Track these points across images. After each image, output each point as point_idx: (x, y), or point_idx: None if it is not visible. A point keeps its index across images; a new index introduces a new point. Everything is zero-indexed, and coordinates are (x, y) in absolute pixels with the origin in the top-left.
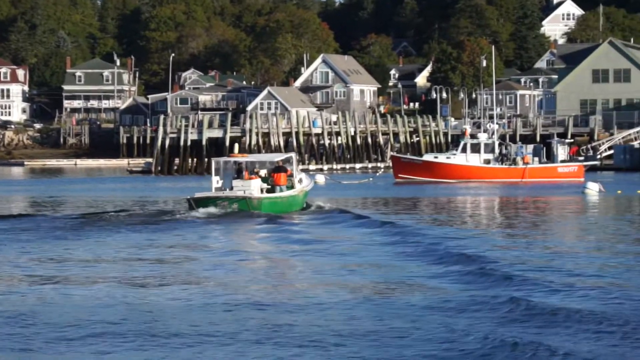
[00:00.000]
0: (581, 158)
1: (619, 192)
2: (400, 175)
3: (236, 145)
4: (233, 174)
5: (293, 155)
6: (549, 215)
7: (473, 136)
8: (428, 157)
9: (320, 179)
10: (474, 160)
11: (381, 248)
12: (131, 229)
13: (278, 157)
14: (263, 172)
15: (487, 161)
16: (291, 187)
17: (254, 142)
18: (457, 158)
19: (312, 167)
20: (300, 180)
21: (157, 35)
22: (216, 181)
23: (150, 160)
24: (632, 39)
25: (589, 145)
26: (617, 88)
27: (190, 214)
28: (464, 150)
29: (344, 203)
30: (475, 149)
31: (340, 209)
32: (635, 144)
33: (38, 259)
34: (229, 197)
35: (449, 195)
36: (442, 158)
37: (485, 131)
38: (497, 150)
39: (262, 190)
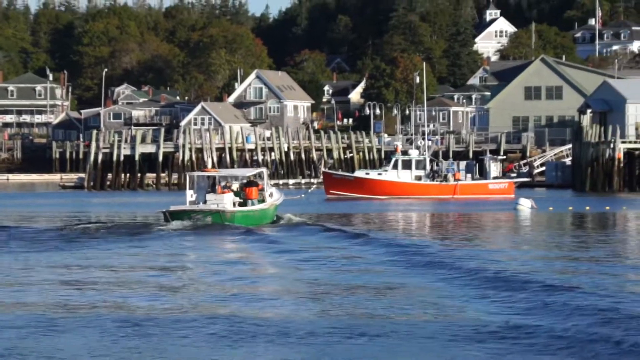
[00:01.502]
0: (514, 175)
1: (551, 209)
2: (332, 191)
3: (209, 161)
4: (206, 189)
5: (264, 170)
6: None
7: (405, 153)
8: (359, 173)
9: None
10: (405, 176)
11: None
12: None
13: (249, 172)
14: (235, 186)
15: (419, 177)
16: (262, 200)
17: (187, 157)
18: (388, 174)
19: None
20: (271, 195)
21: (90, 50)
22: (190, 195)
23: (83, 175)
24: (563, 57)
25: (521, 162)
26: (549, 105)
27: (166, 227)
28: (395, 166)
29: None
30: (407, 165)
31: (308, 222)
32: (567, 160)
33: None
34: (203, 210)
35: (379, 210)
36: (373, 174)
37: (417, 148)
38: (428, 167)
39: (234, 204)
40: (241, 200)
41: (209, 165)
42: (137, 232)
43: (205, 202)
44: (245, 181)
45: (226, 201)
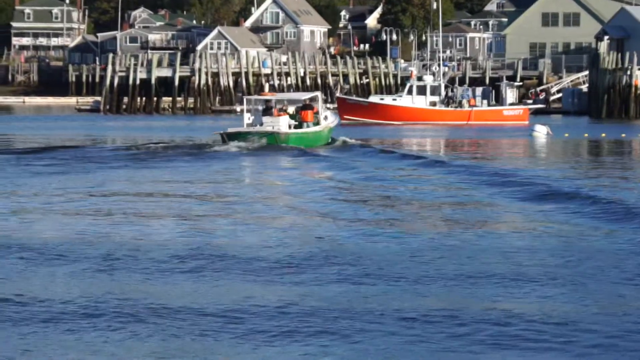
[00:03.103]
0: (529, 101)
1: (566, 135)
2: (346, 116)
3: (266, 85)
4: (263, 111)
5: (319, 94)
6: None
7: (419, 78)
8: (374, 99)
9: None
10: (420, 102)
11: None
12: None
13: (305, 96)
14: (291, 110)
15: (433, 103)
16: (317, 123)
17: (202, 81)
18: (403, 100)
19: (261, 107)
20: (325, 118)
21: None
22: (247, 117)
23: (98, 98)
24: None
25: (537, 89)
26: (567, 32)
27: (224, 147)
28: (410, 92)
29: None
30: (422, 91)
31: (362, 144)
32: (584, 87)
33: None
34: (259, 131)
35: (403, 136)
36: (388, 100)
37: (432, 74)
38: (443, 93)
39: (290, 126)
40: (297, 123)
41: (266, 89)
42: (199, 153)
43: (262, 124)
44: (301, 104)
45: (282, 123)
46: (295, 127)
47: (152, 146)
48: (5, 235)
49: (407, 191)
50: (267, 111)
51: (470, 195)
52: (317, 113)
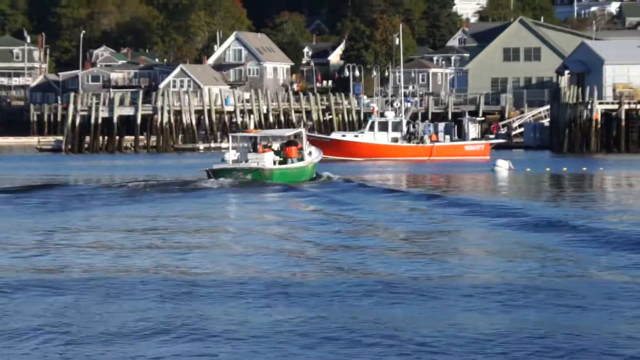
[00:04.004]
0: (492, 136)
1: (528, 170)
2: None
3: (251, 122)
4: (248, 148)
5: (303, 130)
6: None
7: (381, 114)
8: (336, 135)
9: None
10: (381, 138)
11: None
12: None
13: (289, 132)
14: (276, 146)
15: (395, 139)
16: (301, 159)
17: (165, 120)
18: (365, 136)
19: (224, 145)
20: (310, 153)
21: (69, 11)
22: (233, 154)
23: (60, 138)
24: (542, 18)
25: (499, 124)
26: (528, 66)
27: (209, 183)
28: (371, 128)
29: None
30: (383, 127)
31: (345, 178)
32: (545, 122)
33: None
34: (244, 168)
35: (366, 173)
36: (349, 136)
37: (393, 109)
38: (405, 129)
39: (274, 162)
40: (281, 159)
41: (251, 126)
42: (185, 189)
43: (246, 160)
44: (285, 141)
45: (266, 160)
46: (280, 163)
47: (142, 184)
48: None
49: (391, 221)
50: (253, 148)
51: (441, 222)
52: (301, 149)
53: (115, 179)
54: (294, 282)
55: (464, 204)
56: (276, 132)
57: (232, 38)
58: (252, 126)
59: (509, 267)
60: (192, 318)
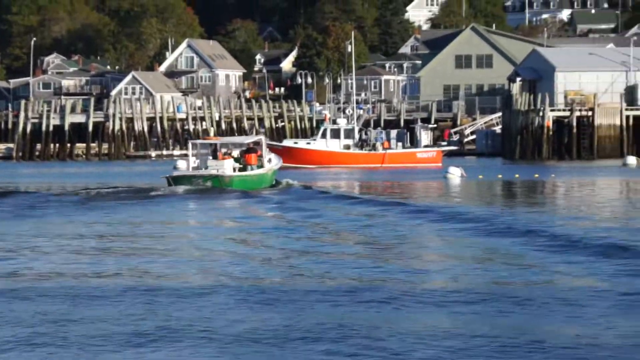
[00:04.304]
0: (444, 143)
1: (480, 177)
2: None
3: (212, 129)
4: (208, 155)
5: (263, 137)
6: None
7: (334, 122)
8: (288, 142)
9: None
10: (333, 145)
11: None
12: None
13: (249, 139)
14: (235, 153)
15: (347, 147)
16: (261, 166)
17: (117, 127)
18: (317, 143)
19: (176, 152)
20: (269, 160)
21: (19, 18)
22: (193, 161)
23: (11, 145)
24: (494, 25)
25: (452, 131)
26: (480, 73)
27: (169, 190)
28: (324, 135)
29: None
30: (335, 134)
31: (305, 185)
32: (497, 129)
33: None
34: (203, 175)
35: (316, 179)
36: (302, 143)
37: (346, 117)
38: (357, 136)
39: (234, 169)
40: (241, 166)
41: (211, 133)
42: (145, 196)
43: (206, 167)
44: (245, 148)
45: (226, 167)
46: (240, 170)
47: (102, 191)
48: None
49: (351, 227)
50: (213, 154)
51: (400, 228)
52: (261, 156)
53: (67, 187)
54: (255, 288)
55: (425, 210)
56: (236, 139)
57: (184, 45)
58: (212, 133)
59: (465, 272)
60: (153, 323)
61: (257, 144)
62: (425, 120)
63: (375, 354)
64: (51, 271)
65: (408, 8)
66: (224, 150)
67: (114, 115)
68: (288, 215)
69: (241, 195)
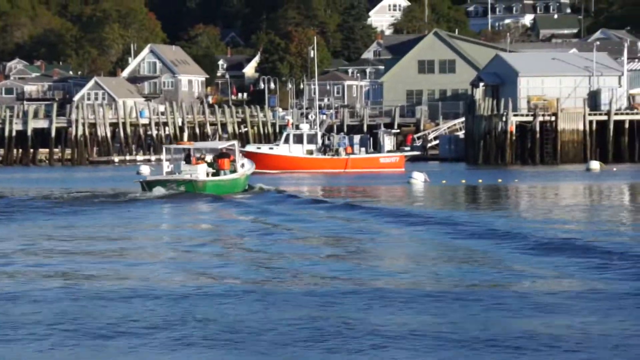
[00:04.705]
0: (407, 148)
1: (444, 182)
2: None
3: (185, 134)
4: (182, 160)
5: (235, 143)
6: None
7: (296, 127)
8: (251, 147)
9: (145, 169)
10: (296, 150)
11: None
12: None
13: (222, 145)
14: (209, 158)
15: (310, 152)
16: (234, 171)
17: (80, 132)
18: (280, 149)
19: (139, 157)
20: (242, 165)
21: None
22: (167, 165)
23: None
24: (457, 30)
25: (415, 136)
26: (443, 79)
27: (143, 195)
28: (286, 141)
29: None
30: (298, 139)
31: (278, 190)
32: (460, 134)
33: None
34: (177, 179)
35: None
36: (264, 149)
37: (309, 122)
38: (320, 141)
39: (207, 174)
40: (214, 170)
41: (185, 138)
42: (120, 200)
43: (180, 172)
44: (218, 153)
45: (199, 171)
46: (213, 174)
47: (76, 195)
48: None
49: (321, 229)
50: (186, 159)
51: (368, 230)
52: (233, 161)
53: (30, 192)
54: (219, 287)
55: (394, 214)
56: (209, 144)
57: (146, 51)
58: (185, 139)
59: (431, 272)
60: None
61: (231, 149)
62: (389, 126)
63: (340, 354)
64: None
65: (370, 13)
66: (197, 155)
67: (76, 120)
68: (264, 218)
69: (213, 200)
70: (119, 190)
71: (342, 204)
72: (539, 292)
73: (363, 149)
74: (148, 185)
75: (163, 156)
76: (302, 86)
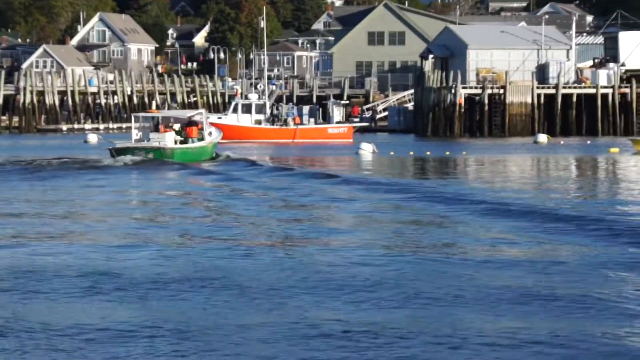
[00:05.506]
0: (356, 119)
1: (392, 153)
2: None
3: (154, 103)
4: (150, 128)
5: (203, 111)
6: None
7: (245, 97)
8: None
9: (93, 138)
10: (245, 120)
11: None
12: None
13: (190, 113)
14: (177, 126)
15: (259, 122)
16: (202, 139)
17: (28, 100)
18: (228, 118)
19: (87, 126)
20: (210, 133)
21: None
22: (135, 133)
23: None
24: (406, 2)
25: (364, 107)
26: (392, 50)
27: (112, 161)
28: (235, 110)
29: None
30: (247, 109)
31: (246, 159)
32: (409, 106)
33: None
34: (146, 147)
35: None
36: (213, 118)
37: (258, 92)
38: (268, 111)
39: (176, 142)
40: (182, 138)
41: (153, 106)
42: (90, 167)
43: (149, 140)
44: (186, 121)
45: (168, 139)
46: (181, 142)
47: (45, 161)
48: None
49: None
50: (155, 127)
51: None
52: (201, 129)
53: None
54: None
55: (356, 182)
56: (177, 112)
57: (95, 19)
58: (154, 107)
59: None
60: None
61: (198, 117)
62: (338, 97)
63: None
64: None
65: None
66: (165, 123)
67: (24, 88)
68: (228, 184)
69: (181, 167)
70: (88, 157)
71: (305, 172)
72: (480, 252)
73: (312, 120)
74: (117, 152)
75: (132, 124)
76: (251, 56)
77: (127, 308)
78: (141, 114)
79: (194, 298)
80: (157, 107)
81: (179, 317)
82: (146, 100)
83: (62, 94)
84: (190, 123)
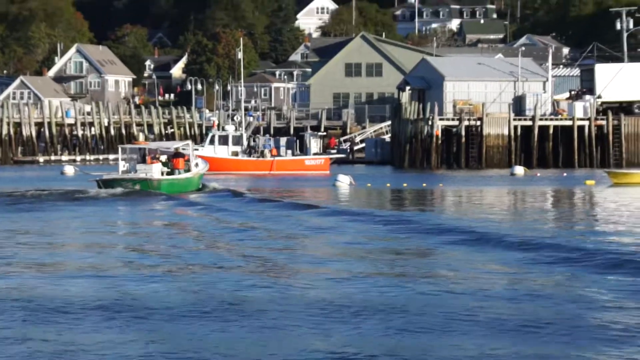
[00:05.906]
0: (333, 151)
1: (369, 185)
2: None
3: (141, 134)
4: (137, 159)
5: (190, 142)
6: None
7: (222, 128)
8: None
9: (70, 169)
10: (222, 152)
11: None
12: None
13: (177, 144)
14: (163, 158)
15: (235, 153)
16: (188, 170)
17: (4, 132)
18: (205, 150)
19: (64, 157)
20: (196, 165)
21: None
22: (122, 165)
23: None
24: (384, 34)
25: (342, 139)
26: (369, 82)
27: (99, 193)
28: (212, 142)
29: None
30: (224, 141)
31: (231, 190)
32: (386, 137)
33: None
34: (132, 178)
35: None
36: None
37: (235, 124)
38: (245, 143)
39: (162, 173)
40: (169, 170)
41: (140, 138)
42: (75, 198)
43: (135, 171)
44: (172, 152)
45: (154, 171)
46: (168, 174)
47: (33, 192)
48: None
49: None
50: (142, 159)
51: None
52: (188, 161)
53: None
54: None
55: (335, 214)
56: (164, 144)
57: (73, 50)
58: (141, 138)
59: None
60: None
61: (185, 148)
62: (315, 128)
63: None
64: None
65: (298, 16)
66: (152, 154)
67: (1, 120)
68: (216, 215)
69: (167, 198)
70: (75, 188)
71: (290, 203)
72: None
73: (289, 152)
74: (104, 183)
75: (119, 155)
76: (229, 88)
77: (125, 336)
78: (128, 146)
79: (182, 327)
80: (146, 139)
81: (169, 345)
82: (123, 131)
83: (39, 125)
84: (176, 154)
